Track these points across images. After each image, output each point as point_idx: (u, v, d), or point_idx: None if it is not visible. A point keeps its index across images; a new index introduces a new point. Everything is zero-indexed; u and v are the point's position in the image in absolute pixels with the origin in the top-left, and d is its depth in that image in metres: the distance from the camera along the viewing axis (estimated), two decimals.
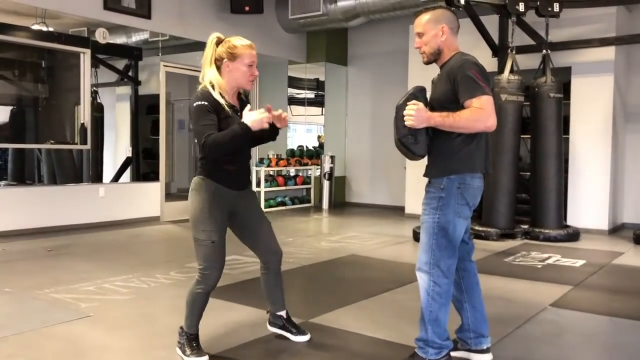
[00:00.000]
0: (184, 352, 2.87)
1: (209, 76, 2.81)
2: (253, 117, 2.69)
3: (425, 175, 2.78)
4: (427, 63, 2.82)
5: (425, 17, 2.75)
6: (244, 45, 2.81)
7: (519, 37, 7.04)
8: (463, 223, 2.70)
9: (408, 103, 2.59)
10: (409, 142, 2.64)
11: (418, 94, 2.68)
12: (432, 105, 2.72)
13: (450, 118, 2.56)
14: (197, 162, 2.92)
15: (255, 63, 2.84)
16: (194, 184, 2.85)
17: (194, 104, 2.74)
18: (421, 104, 2.58)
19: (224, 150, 2.71)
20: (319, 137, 11.95)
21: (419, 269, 2.73)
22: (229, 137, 2.67)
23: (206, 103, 2.72)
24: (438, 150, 2.72)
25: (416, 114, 2.55)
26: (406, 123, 2.58)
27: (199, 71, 2.91)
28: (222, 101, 2.77)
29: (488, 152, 2.78)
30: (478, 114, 2.53)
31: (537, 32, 7.12)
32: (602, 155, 7.42)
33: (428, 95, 2.78)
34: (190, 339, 2.89)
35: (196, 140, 2.72)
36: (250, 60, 2.80)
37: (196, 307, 2.86)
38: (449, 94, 2.64)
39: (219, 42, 2.84)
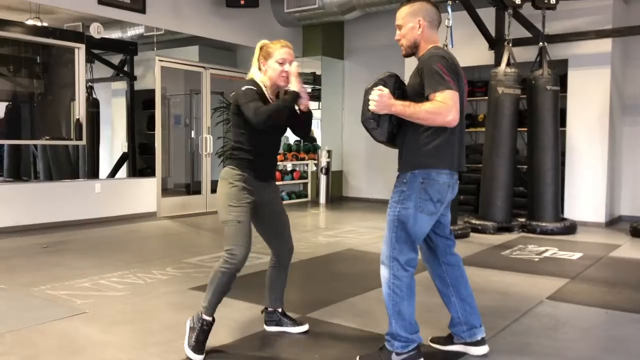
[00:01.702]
0: (189, 338, 2.84)
1: (253, 74, 3.01)
2: (297, 86, 2.91)
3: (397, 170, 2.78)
4: (406, 56, 2.85)
5: (404, 10, 2.80)
6: (275, 43, 2.99)
7: (515, 30, 7.00)
8: (426, 219, 2.67)
9: (375, 88, 2.61)
10: (370, 126, 2.69)
11: (387, 80, 2.69)
12: (405, 98, 2.70)
13: (411, 108, 2.57)
14: (229, 153, 3.06)
15: (287, 61, 2.96)
16: (224, 173, 2.99)
17: (243, 88, 2.89)
18: (387, 91, 2.59)
19: (277, 117, 2.83)
20: None
21: (382, 262, 2.75)
22: (280, 105, 2.87)
23: (254, 88, 2.91)
24: (406, 144, 2.72)
25: (379, 100, 2.57)
26: (369, 107, 2.61)
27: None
28: (266, 93, 2.97)
29: (461, 149, 2.76)
30: (439, 108, 2.52)
31: (533, 24, 7.11)
32: (599, 147, 7.42)
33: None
34: (203, 329, 2.84)
35: (246, 115, 2.85)
36: (280, 57, 2.95)
37: (217, 287, 2.86)
38: (417, 88, 2.64)
39: (262, 47, 3.04)
